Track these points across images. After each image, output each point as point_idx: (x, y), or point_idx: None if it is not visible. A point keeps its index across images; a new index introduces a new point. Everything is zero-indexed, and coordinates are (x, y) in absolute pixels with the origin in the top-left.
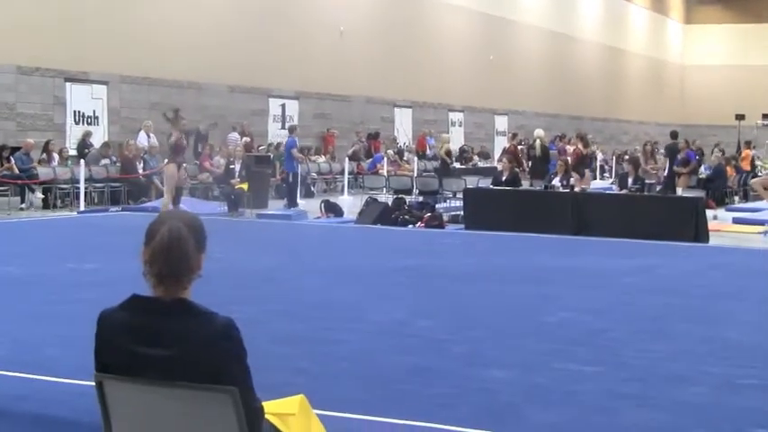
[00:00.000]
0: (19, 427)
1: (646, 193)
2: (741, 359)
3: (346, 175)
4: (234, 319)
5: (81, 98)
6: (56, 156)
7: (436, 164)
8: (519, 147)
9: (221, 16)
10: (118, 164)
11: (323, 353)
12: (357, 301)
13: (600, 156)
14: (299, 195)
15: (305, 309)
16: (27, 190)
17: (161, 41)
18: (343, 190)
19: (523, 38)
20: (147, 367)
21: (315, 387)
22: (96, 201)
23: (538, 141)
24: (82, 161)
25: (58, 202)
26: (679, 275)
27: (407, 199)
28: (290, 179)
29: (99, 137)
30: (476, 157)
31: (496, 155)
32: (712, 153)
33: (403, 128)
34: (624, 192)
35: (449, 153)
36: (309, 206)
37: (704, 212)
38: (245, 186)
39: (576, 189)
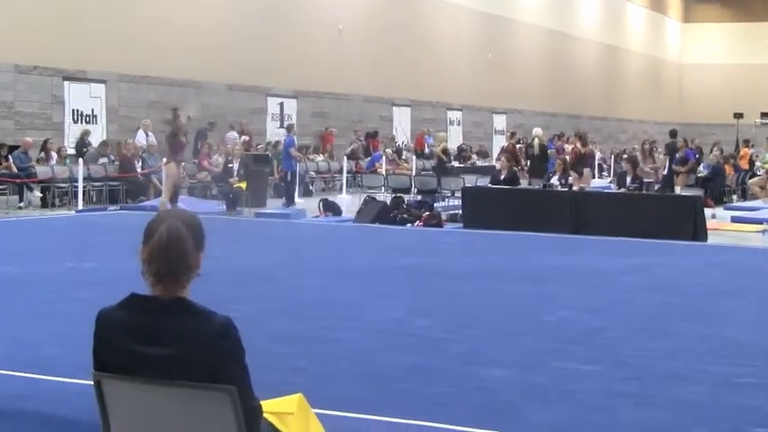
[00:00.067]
0: (17, 427)
1: (644, 192)
2: (740, 358)
3: (345, 174)
4: (232, 317)
5: (79, 97)
6: (54, 154)
7: (434, 162)
8: (517, 146)
9: (219, 15)
10: (116, 163)
11: (321, 352)
12: (355, 299)
13: (598, 154)
14: (297, 194)
15: (303, 308)
16: (25, 189)
17: (159, 40)
18: (341, 189)
19: (522, 36)
20: (145, 366)
21: (313, 386)
22: (95, 200)
23: (536, 140)
24: (80, 160)
25: (57, 200)
26: (678, 274)
27: (406, 198)
28: (289, 178)
29: (97, 136)
30: (474, 156)
31: (495, 154)
32: (711, 152)
33: (401, 127)
34: (623, 190)
35: (445, 151)
36: (308, 205)
37: (702, 211)
38: (243, 185)
39: (575, 188)
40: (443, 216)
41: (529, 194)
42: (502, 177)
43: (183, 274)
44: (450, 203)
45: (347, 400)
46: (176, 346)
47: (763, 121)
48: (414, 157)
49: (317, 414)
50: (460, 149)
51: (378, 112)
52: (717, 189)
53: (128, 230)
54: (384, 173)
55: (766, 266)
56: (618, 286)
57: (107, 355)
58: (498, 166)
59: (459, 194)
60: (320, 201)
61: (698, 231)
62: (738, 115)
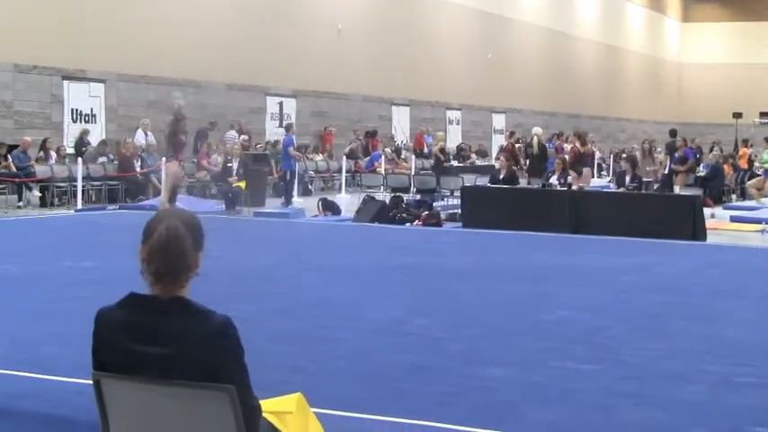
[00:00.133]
0: (16, 426)
1: (643, 192)
2: (739, 357)
3: (344, 174)
4: (231, 317)
5: (78, 96)
6: (53, 154)
7: (433, 162)
8: (517, 145)
9: (219, 15)
10: (115, 162)
11: (320, 351)
12: (355, 299)
13: (597, 154)
14: (296, 193)
15: (302, 307)
16: (24, 188)
17: (158, 40)
18: (340, 188)
19: (521, 36)
20: (144, 365)
21: (312, 385)
22: (94, 199)
23: (535, 139)
24: (79, 159)
25: (56, 200)
26: (677, 274)
27: (405, 197)
28: (288, 177)
29: (96, 135)
30: (473, 156)
31: (494, 153)
32: (710, 151)
33: (400, 126)
34: (622, 190)
35: (443, 150)
36: (307, 204)
37: (702, 211)
38: (242, 184)
39: (574, 187)
40: (442, 215)
41: (528, 194)
42: (501, 177)
43: (181, 273)
44: (450, 203)
45: (346, 399)
46: (175, 345)
47: (762, 120)
48: (413, 157)
49: (316, 413)
50: (460, 149)
51: (377, 111)
52: (716, 189)
53: (127, 230)
54: (383, 172)
55: (765, 266)
56: (617, 286)
57: (106, 355)
58: (497, 165)
59: (458, 194)
60: (319, 200)
61: (697, 231)
62: (737, 115)
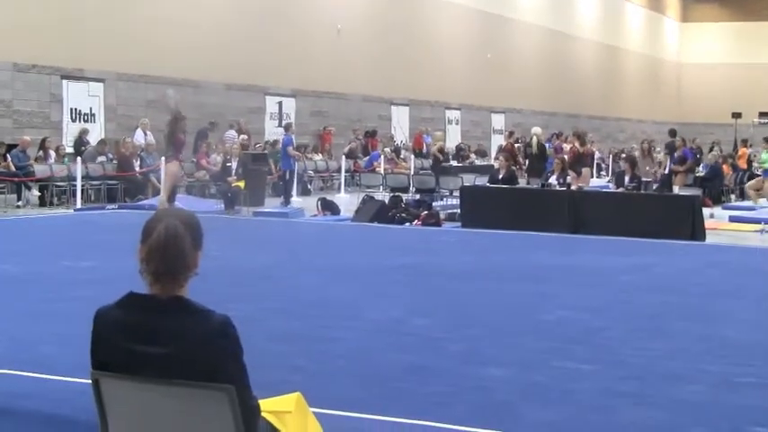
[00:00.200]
0: (15, 426)
1: (642, 192)
2: (739, 357)
3: (343, 173)
4: (230, 316)
5: (78, 95)
6: (52, 153)
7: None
8: (516, 145)
9: (219, 15)
10: (114, 161)
11: (319, 351)
12: (354, 299)
13: (597, 154)
14: (295, 193)
15: (302, 307)
16: (23, 187)
17: (157, 39)
18: (339, 188)
19: (521, 36)
20: (143, 365)
21: (311, 385)
22: (93, 198)
23: (535, 139)
24: (78, 159)
25: (55, 199)
26: (676, 274)
27: (404, 197)
28: (287, 177)
29: (96, 134)
30: (473, 155)
31: (493, 153)
32: (710, 151)
33: (400, 126)
34: (621, 190)
35: (441, 150)
36: (306, 204)
37: (701, 211)
38: (241, 184)
39: (573, 187)
40: (442, 215)
41: (527, 194)
42: (500, 177)
43: (180, 272)
44: (449, 203)
45: (345, 399)
46: (174, 344)
47: (762, 120)
48: (412, 157)
49: (315, 413)
50: (459, 149)
51: (376, 111)
52: (715, 189)
53: (126, 229)
54: (382, 172)
55: (765, 266)
56: (617, 286)
57: (105, 354)
58: (497, 165)
59: (457, 194)
60: (318, 200)
61: (696, 231)
62: (737, 115)
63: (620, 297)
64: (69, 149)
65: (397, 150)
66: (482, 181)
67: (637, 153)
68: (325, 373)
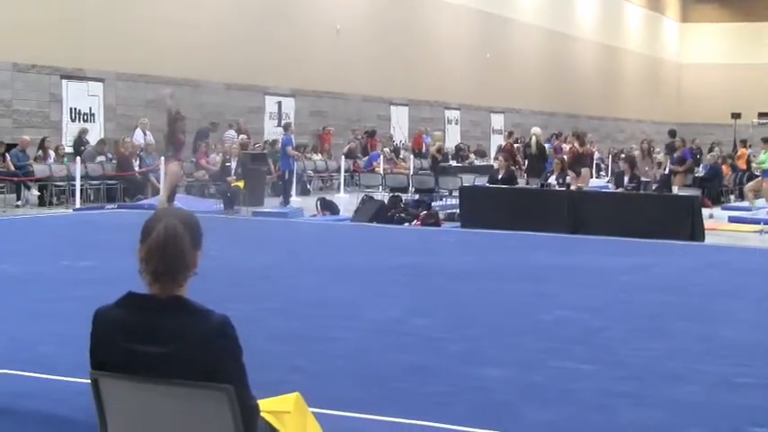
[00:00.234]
0: (15, 426)
1: (642, 192)
2: (738, 357)
3: (342, 173)
4: (230, 316)
5: (77, 95)
6: (52, 153)
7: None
8: (515, 145)
9: (218, 15)
10: (114, 161)
11: (319, 351)
12: (353, 299)
13: (596, 154)
14: (294, 193)
15: (301, 307)
16: (23, 187)
17: (157, 39)
18: (339, 188)
19: (520, 36)
20: (142, 365)
21: (310, 385)
22: (92, 198)
23: (534, 139)
24: (78, 158)
25: (54, 199)
26: (676, 274)
27: (403, 197)
28: (286, 177)
29: (95, 134)
30: (472, 156)
31: (493, 153)
32: (710, 151)
33: (399, 126)
34: (620, 190)
35: (440, 150)
36: (305, 204)
37: (700, 211)
38: (241, 184)
39: (573, 187)
40: (441, 215)
41: (526, 194)
42: (499, 177)
43: (180, 272)
44: (448, 203)
45: (344, 399)
46: (173, 344)
47: (761, 121)
48: (411, 157)
49: (314, 413)
50: (458, 149)
51: (376, 111)
52: (714, 189)
53: (125, 229)
54: (382, 172)
55: (764, 266)
56: (616, 286)
57: (104, 354)
58: (496, 165)
59: (456, 194)
60: (318, 200)
61: (695, 231)
62: (736, 115)
63: (620, 297)
64: (69, 149)
65: (396, 150)
66: (481, 181)
67: (636, 153)
68: (325, 373)
